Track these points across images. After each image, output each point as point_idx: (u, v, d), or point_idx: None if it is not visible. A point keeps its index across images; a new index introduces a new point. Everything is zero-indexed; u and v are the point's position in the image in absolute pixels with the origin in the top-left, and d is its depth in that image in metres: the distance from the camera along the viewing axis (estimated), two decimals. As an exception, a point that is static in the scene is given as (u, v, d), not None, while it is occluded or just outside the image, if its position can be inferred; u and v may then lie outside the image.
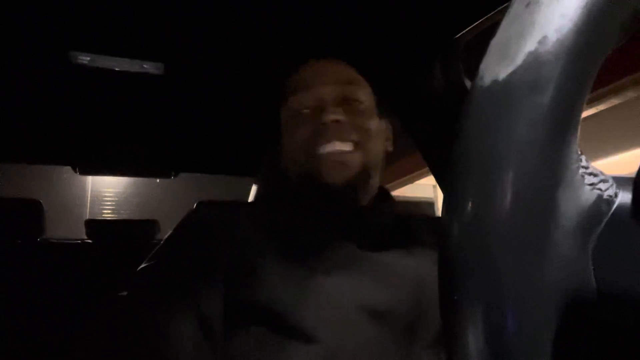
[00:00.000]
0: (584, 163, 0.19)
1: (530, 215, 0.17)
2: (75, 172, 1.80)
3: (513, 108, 0.17)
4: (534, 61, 0.17)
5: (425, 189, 4.72)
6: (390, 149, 0.73)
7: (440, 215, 0.20)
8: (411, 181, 3.58)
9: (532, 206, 0.17)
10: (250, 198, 1.74)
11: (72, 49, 0.96)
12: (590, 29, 0.17)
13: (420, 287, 0.58)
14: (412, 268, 0.60)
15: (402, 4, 0.82)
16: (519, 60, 0.18)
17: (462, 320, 0.17)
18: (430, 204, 4.96)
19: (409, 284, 0.58)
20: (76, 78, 1.08)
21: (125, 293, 0.59)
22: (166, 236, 0.65)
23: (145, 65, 1.03)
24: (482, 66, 0.19)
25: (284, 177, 0.71)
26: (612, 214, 0.19)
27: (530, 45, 0.17)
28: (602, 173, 0.20)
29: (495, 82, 0.18)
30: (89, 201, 4.22)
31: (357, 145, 0.63)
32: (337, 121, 0.62)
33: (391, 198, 0.73)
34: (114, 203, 4.31)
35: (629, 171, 0.21)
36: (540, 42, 0.17)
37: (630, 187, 0.19)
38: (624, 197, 0.19)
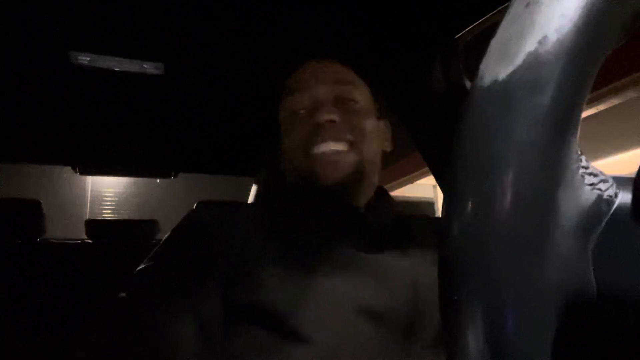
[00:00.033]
0: (584, 163, 0.19)
1: (530, 216, 0.17)
2: (75, 172, 1.80)
3: (513, 108, 0.17)
4: (534, 61, 0.17)
5: (425, 189, 4.72)
6: (389, 148, 0.73)
7: (440, 215, 0.20)
8: (411, 181, 3.58)
9: (532, 206, 0.17)
10: (250, 198, 1.75)
11: (72, 49, 0.96)
12: (590, 29, 0.17)
13: (419, 288, 0.58)
14: (410, 268, 0.60)
15: (402, 4, 0.82)
16: (519, 60, 0.18)
17: (462, 320, 0.17)
18: (430, 204, 4.96)
19: (407, 285, 0.58)
20: (76, 78, 1.08)
21: (124, 294, 0.58)
22: (165, 236, 0.65)
23: (145, 65, 1.03)
24: (482, 66, 0.19)
25: (283, 177, 0.71)
26: (612, 214, 0.19)
27: (530, 45, 0.17)
28: (602, 173, 0.20)
29: (495, 82, 0.18)
30: (89, 201, 4.22)
31: (352, 145, 0.63)
32: (331, 121, 0.62)
33: (390, 198, 0.73)
34: (114, 203, 4.31)
35: (629, 171, 0.21)
36: (540, 42, 0.17)
37: (630, 187, 0.19)
38: (624, 197, 0.19)
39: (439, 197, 4.89)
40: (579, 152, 0.19)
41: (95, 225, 2.04)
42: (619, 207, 0.19)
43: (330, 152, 0.62)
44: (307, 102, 0.66)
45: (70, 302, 1.57)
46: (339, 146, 0.62)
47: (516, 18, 0.19)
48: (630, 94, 1.76)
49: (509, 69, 0.18)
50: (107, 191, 4.31)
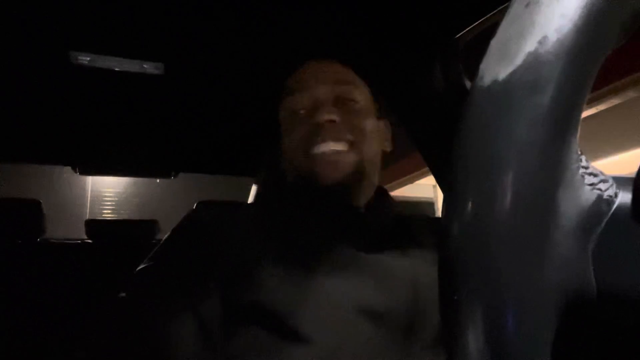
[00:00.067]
0: (584, 163, 0.19)
1: (530, 216, 0.17)
2: (75, 172, 1.80)
3: (513, 108, 0.17)
4: (534, 61, 0.17)
5: (425, 189, 4.72)
6: (389, 148, 0.73)
7: (440, 215, 0.20)
8: (411, 181, 3.58)
9: (532, 206, 0.17)
10: (250, 198, 1.75)
11: (72, 49, 0.96)
12: (590, 29, 0.17)
13: (419, 288, 0.58)
14: (410, 268, 0.60)
15: (402, 4, 0.82)
16: (519, 60, 0.18)
17: (462, 320, 0.17)
18: (430, 204, 4.96)
19: (407, 285, 0.58)
20: (76, 78, 1.08)
21: (124, 294, 0.59)
22: (165, 236, 0.65)
23: (145, 65, 1.03)
24: (482, 66, 0.19)
25: (283, 177, 0.71)
26: (612, 214, 0.19)
27: (530, 45, 0.17)
28: (602, 173, 0.20)
29: (495, 82, 0.18)
30: (89, 201, 4.22)
31: (352, 145, 0.63)
32: (331, 121, 0.62)
33: (390, 198, 0.73)
34: (114, 203, 4.31)
35: (629, 171, 0.21)
36: (540, 42, 0.17)
37: (630, 187, 0.19)
38: (624, 197, 0.19)
39: (439, 197, 4.89)
40: (579, 152, 0.19)
41: (95, 225, 2.04)
42: (619, 207, 0.19)
43: (330, 152, 0.62)
44: (307, 102, 0.66)
45: (70, 302, 1.57)
46: (339, 146, 0.62)
47: (516, 18, 0.19)
48: (630, 94, 1.76)
49: (509, 69, 0.18)
50: (107, 191, 4.31)
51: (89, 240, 1.98)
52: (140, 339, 0.53)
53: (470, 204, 0.17)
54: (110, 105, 1.28)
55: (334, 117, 0.62)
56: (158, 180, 4.10)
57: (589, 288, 0.18)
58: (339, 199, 0.63)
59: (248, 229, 0.61)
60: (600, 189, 0.19)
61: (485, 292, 0.17)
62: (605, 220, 0.19)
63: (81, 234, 2.01)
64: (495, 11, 0.76)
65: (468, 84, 0.87)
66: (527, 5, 0.18)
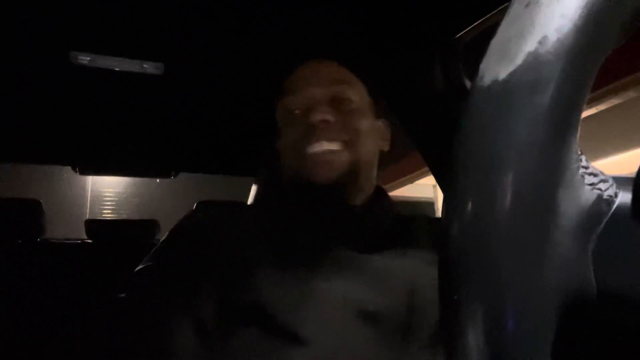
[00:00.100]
0: (584, 163, 0.19)
1: (531, 216, 0.17)
2: (75, 172, 1.80)
3: (513, 108, 0.17)
4: (534, 61, 0.17)
5: (425, 189, 4.72)
6: (387, 148, 0.73)
7: (440, 215, 0.20)
8: (411, 181, 3.58)
9: (532, 206, 0.17)
10: (250, 198, 1.75)
11: (72, 49, 0.96)
12: (590, 29, 0.17)
13: (417, 288, 0.58)
14: (409, 268, 0.60)
15: (402, 4, 0.82)
16: (519, 60, 0.18)
17: (462, 320, 0.17)
18: (430, 204, 4.96)
19: (406, 285, 0.58)
20: (76, 78, 1.09)
21: (123, 294, 0.59)
22: (164, 237, 0.65)
23: (145, 65, 1.03)
24: (482, 66, 0.19)
25: (281, 177, 0.71)
26: (612, 214, 0.19)
27: (530, 45, 0.17)
28: (602, 173, 0.20)
29: (495, 82, 0.18)
30: (89, 201, 4.22)
31: (346, 144, 0.63)
32: (325, 121, 0.62)
33: (388, 198, 0.73)
34: (114, 203, 4.31)
35: (629, 171, 0.21)
36: (540, 42, 0.17)
37: (630, 187, 0.19)
38: (624, 197, 0.19)
39: (439, 197, 4.89)
40: (579, 152, 0.19)
41: (95, 225, 2.04)
42: (619, 207, 0.19)
43: (323, 151, 0.62)
44: (302, 102, 0.66)
45: (70, 302, 1.57)
46: (333, 146, 0.62)
47: (516, 18, 0.19)
48: (630, 94, 1.76)
49: (509, 69, 0.18)
50: (107, 191, 4.31)
51: (89, 240, 1.98)
52: (139, 339, 0.53)
53: (470, 204, 0.17)
54: (110, 105, 1.28)
55: (328, 117, 0.62)
56: (158, 180, 4.10)
57: (589, 288, 0.18)
58: (333, 199, 0.63)
59: (247, 230, 0.61)
60: (600, 189, 0.19)
61: (485, 292, 0.17)
62: (605, 220, 0.19)
63: (81, 234, 2.01)
64: (495, 11, 0.76)
65: (468, 84, 0.87)
66: (527, 5, 0.18)
